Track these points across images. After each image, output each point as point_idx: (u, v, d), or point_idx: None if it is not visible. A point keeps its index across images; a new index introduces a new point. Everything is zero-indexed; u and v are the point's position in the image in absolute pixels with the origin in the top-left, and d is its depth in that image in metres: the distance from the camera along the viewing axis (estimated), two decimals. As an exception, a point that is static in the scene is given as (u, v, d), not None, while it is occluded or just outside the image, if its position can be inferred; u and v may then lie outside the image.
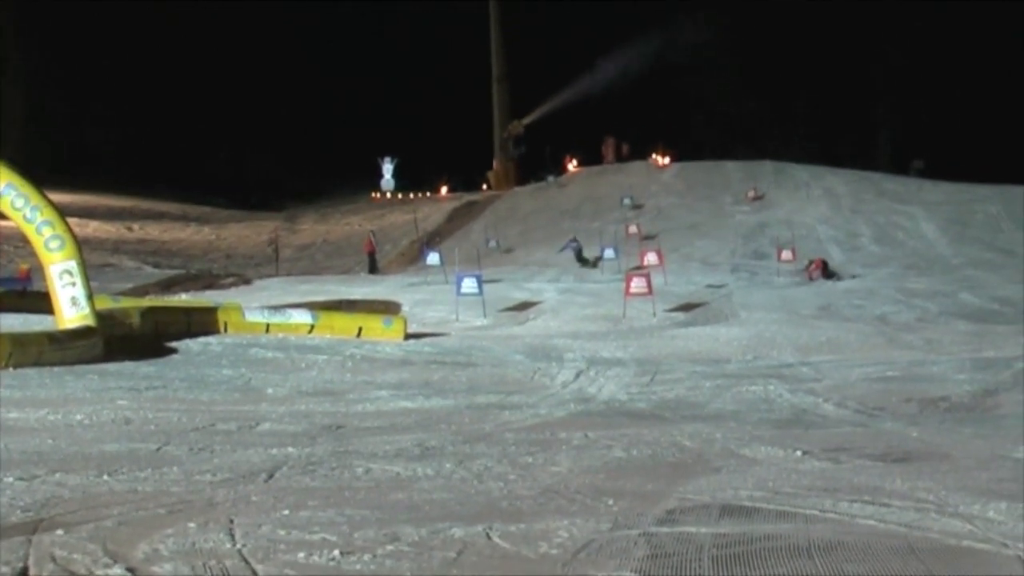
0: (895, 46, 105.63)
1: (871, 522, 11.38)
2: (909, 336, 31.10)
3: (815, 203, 60.41)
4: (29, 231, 30.72)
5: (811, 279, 42.64)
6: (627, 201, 65.77)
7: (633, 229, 55.82)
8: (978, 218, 56.79)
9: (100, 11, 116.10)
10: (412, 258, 57.97)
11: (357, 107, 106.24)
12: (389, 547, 10.20)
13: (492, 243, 61.11)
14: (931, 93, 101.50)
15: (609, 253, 49.41)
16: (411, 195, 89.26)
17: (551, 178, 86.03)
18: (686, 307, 37.79)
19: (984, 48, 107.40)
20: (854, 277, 40.60)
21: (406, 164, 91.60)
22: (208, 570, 9.54)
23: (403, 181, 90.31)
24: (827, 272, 40.86)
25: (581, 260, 38.93)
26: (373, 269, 56.01)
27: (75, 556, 9.76)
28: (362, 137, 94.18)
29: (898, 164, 76.63)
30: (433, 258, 56.18)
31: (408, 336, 30.20)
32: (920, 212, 57.52)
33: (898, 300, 39.72)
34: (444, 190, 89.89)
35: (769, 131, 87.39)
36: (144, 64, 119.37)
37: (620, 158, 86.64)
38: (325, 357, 26.78)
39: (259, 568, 9.54)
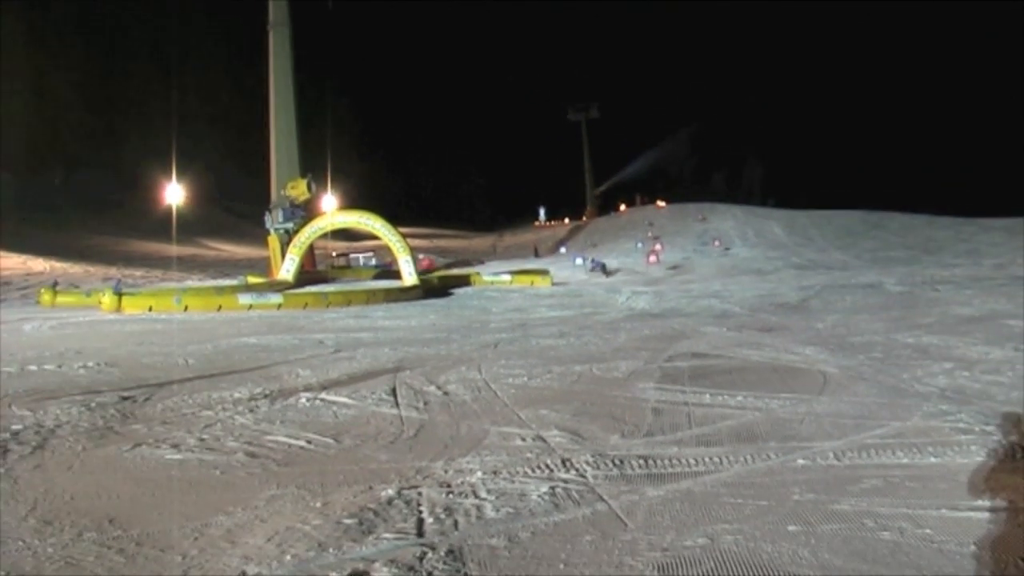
0: (758, 147, 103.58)
1: (756, 358, 11.31)
2: (770, 277, 30.53)
3: (729, 220, 59.51)
4: (391, 244, 31.20)
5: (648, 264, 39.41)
6: (647, 222, 64.63)
7: (650, 234, 55.04)
8: (800, 224, 56.02)
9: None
10: (553, 249, 57.78)
11: (526, 183, 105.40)
12: (547, 376, 10.34)
13: (588, 241, 60.84)
14: (777, 164, 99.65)
15: (639, 246, 49.16)
16: (551, 222, 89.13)
17: (613, 213, 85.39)
18: (674, 266, 37.30)
19: (804, 127, 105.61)
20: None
21: (550, 209, 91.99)
22: (470, 386, 9.74)
23: (548, 216, 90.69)
24: (605, 270, 35.87)
25: (605, 272, 37.11)
26: (536, 255, 55.72)
27: (415, 382, 9.99)
28: (532, 201, 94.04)
29: (762, 201, 75.49)
30: (563, 248, 56.43)
31: (554, 284, 30.16)
32: (774, 223, 56.83)
33: (766, 260, 39.03)
34: (566, 220, 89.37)
35: (710, 191, 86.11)
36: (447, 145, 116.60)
37: (643, 203, 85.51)
38: (517, 294, 26.83)
39: (493, 385, 9.72)
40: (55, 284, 25.46)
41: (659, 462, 6.35)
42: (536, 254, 56.38)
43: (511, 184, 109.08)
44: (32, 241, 41.25)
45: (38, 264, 34.76)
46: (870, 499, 5.34)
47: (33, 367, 11.40)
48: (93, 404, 8.78)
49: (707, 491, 5.61)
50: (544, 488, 5.70)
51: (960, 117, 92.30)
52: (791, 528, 4.83)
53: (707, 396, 8.81)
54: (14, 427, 7.68)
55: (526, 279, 31.40)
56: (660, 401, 8.66)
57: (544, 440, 7.08)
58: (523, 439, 7.13)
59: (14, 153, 58.78)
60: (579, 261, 39.14)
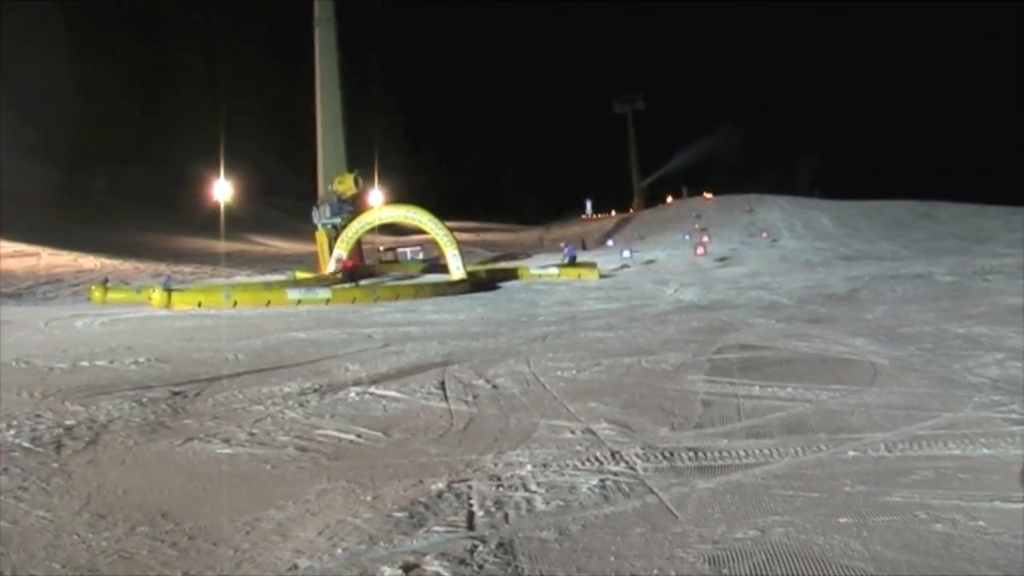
0: (807, 146, 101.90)
1: (805, 349, 11.24)
2: (819, 268, 30.15)
3: (776, 211, 58.77)
4: (438, 238, 31.28)
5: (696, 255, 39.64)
6: (694, 214, 63.95)
7: (697, 226, 54.45)
8: (847, 215, 55.17)
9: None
10: (601, 241, 57.60)
11: (573, 176, 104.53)
12: (595, 368, 10.35)
13: (636, 234, 60.56)
14: (825, 155, 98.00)
15: (686, 238, 48.81)
16: (598, 215, 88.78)
17: (660, 206, 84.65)
18: (721, 258, 36.91)
19: (852, 118, 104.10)
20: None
21: (597, 202, 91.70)
22: (518, 379, 9.78)
23: (595, 209, 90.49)
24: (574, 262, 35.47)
25: (573, 263, 36.37)
26: (584, 248, 55.50)
27: (463, 375, 10.07)
28: (579, 194, 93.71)
29: (810, 192, 74.37)
30: (610, 241, 56.21)
31: (601, 276, 30.06)
32: (821, 214, 56.00)
33: (814, 251, 38.46)
34: (613, 212, 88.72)
35: (757, 183, 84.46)
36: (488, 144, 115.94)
37: (689, 195, 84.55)
38: (564, 287, 26.81)
39: (541, 378, 9.76)
40: (106, 281, 25.98)
41: (709, 454, 6.36)
42: (583, 247, 56.31)
43: (558, 177, 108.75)
44: (82, 238, 41.94)
45: (89, 261, 35.34)
46: (922, 491, 5.29)
47: (85, 363, 11.66)
48: (144, 399, 8.98)
49: (757, 483, 5.60)
50: (594, 481, 5.73)
51: (1008, 105, 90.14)
52: (842, 520, 4.81)
53: (756, 388, 8.77)
54: (67, 422, 7.88)
55: (573, 272, 31.35)
56: (709, 393, 8.64)
57: (593, 433, 7.11)
58: (572, 432, 7.16)
59: (62, 151, 59.78)
60: (626, 254, 39.11)
